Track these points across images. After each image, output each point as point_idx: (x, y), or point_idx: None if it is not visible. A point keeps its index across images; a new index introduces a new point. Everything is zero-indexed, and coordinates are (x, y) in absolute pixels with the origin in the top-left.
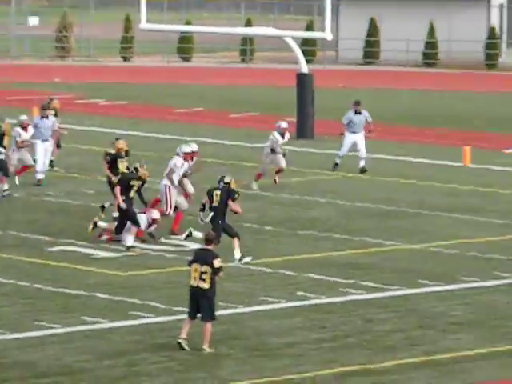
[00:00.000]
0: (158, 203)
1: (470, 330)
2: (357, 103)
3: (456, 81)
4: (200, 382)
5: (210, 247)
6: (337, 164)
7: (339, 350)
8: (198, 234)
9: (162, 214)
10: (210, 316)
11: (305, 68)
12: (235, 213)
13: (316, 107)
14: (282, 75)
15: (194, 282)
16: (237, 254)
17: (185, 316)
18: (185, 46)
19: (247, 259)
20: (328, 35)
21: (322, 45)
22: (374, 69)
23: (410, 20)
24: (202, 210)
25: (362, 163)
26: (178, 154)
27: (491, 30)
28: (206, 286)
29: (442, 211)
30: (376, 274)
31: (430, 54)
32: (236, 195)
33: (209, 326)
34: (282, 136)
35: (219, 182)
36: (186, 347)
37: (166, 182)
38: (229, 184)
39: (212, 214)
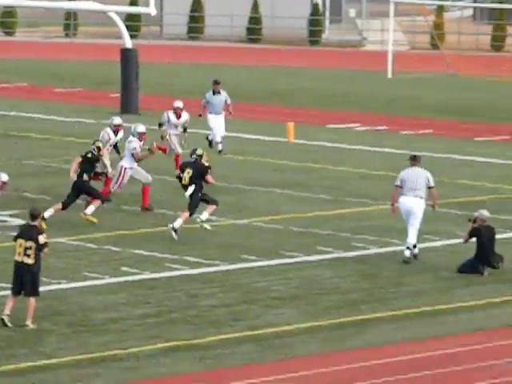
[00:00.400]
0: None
1: (292, 304)
2: (216, 83)
3: (279, 56)
4: (22, 358)
5: (35, 223)
6: (211, 142)
7: (163, 325)
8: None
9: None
10: (33, 291)
11: (129, 43)
12: (208, 183)
13: (140, 82)
14: (106, 50)
15: (18, 258)
16: (204, 215)
17: (9, 292)
18: (8, 20)
19: (207, 226)
20: (152, 10)
21: (146, 20)
22: (199, 44)
23: None
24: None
25: (219, 146)
26: (133, 135)
27: (315, 7)
28: (30, 261)
29: (266, 187)
30: (201, 249)
31: (253, 29)
32: (209, 170)
33: (32, 301)
34: (178, 117)
35: (191, 154)
36: (9, 324)
37: (124, 163)
38: (201, 156)
39: (192, 187)
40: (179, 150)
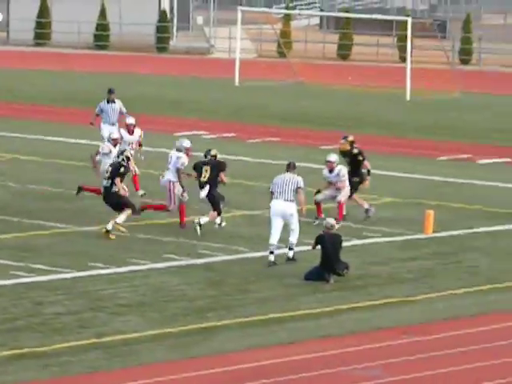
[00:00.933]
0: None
1: (139, 311)
2: (110, 92)
3: (127, 63)
4: None
5: None
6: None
7: (8, 333)
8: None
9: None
10: None
11: None
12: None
13: None
14: None
15: None
16: (203, 219)
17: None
18: None
19: (198, 230)
20: None
21: None
22: (46, 50)
23: (82, 2)
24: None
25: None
26: (179, 150)
27: (162, 14)
28: None
29: None
30: (47, 256)
31: (101, 36)
32: (226, 167)
33: None
34: (130, 133)
35: (206, 155)
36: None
37: (170, 177)
38: (215, 156)
39: (207, 187)
40: (137, 170)
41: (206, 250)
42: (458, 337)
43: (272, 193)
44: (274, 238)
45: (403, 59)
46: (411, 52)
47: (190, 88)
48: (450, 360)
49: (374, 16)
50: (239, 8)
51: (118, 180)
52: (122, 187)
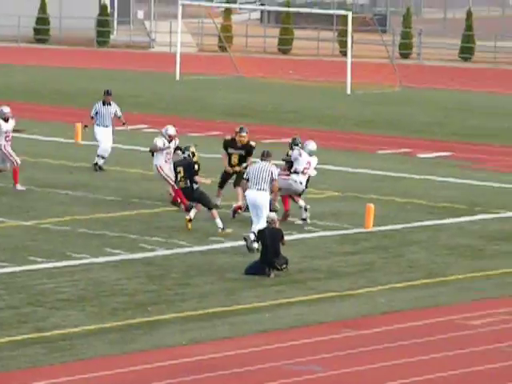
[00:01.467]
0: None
1: (79, 306)
2: (107, 93)
3: (67, 57)
4: None
5: None
6: (96, 164)
7: None
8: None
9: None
10: None
11: None
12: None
13: None
14: None
15: None
16: (192, 213)
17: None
18: None
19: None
20: None
21: None
22: None
23: None
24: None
25: (100, 161)
26: (164, 136)
27: (103, 8)
28: None
29: (54, 188)
30: None
31: (41, 30)
32: (197, 168)
33: None
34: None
35: (183, 151)
36: None
37: (157, 162)
38: (194, 154)
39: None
40: (18, 160)
41: (146, 245)
42: (398, 330)
43: (247, 180)
44: (254, 226)
45: (344, 53)
46: (352, 46)
47: (130, 82)
48: (390, 354)
49: (315, 10)
50: (180, 2)
51: (197, 178)
52: (203, 179)
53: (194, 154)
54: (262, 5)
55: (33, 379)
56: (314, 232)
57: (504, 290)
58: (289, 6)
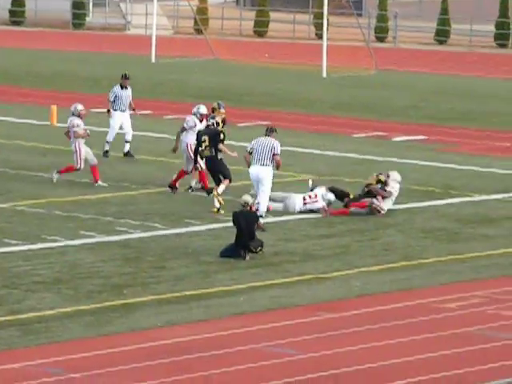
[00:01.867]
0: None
1: (55, 289)
2: (125, 77)
3: (43, 39)
4: None
5: None
6: (107, 151)
7: None
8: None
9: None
10: None
11: None
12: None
13: None
14: None
15: None
16: (193, 182)
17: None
18: None
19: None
20: None
21: None
22: None
23: None
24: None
25: (127, 147)
26: (194, 114)
27: None
28: None
29: (31, 171)
30: None
31: (16, 11)
32: (222, 137)
33: None
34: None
35: (209, 119)
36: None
37: (187, 139)
38: (218, 123)
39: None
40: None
41: (122, 227)
42: (372, 313)
43: (249, 153)
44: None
45: (320, 36)
46: (327, 29)
47: (106, 65)
48: (364, 336)
49: None
50: None
51: (222, 146)
52: (229, 151)
53: (219, 124)
54: None
55: (8, 361)
56: (289, 215)
57: (479, 273)
58: None
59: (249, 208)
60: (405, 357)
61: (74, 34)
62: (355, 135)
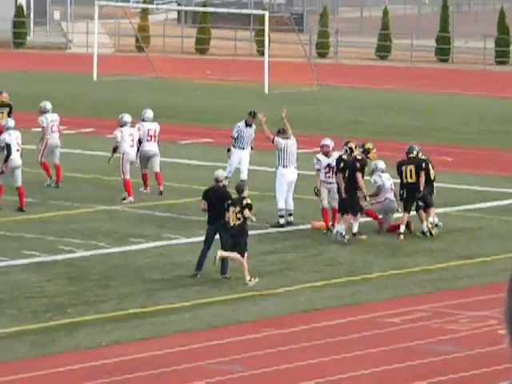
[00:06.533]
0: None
1: None
2: (253, 114)
3: None
4: None
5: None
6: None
7: None
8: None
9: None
10: None
11: None
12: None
13: None
14: None
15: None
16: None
17: None
18: None
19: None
20: None
21: None
22: None
23: None
24: None
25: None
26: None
27: (19, 9)
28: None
29: None
30: None
31: None
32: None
33: None
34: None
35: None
36: None
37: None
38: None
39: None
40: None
41: (66, 246)
42: (317, 329)
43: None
44: (291, 204)
45: (261, 53)
46: (269, 46)
47: (47, 83)
48: (310, 352)
49: (232, 10)
50: (97, 2)
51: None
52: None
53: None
54: (178, 5)
55: None
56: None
57: (422, 287)
58: (206, 6)
59: (221, 184)
60: (351, 372)
61: (15, 54)
62: (298, 151)
